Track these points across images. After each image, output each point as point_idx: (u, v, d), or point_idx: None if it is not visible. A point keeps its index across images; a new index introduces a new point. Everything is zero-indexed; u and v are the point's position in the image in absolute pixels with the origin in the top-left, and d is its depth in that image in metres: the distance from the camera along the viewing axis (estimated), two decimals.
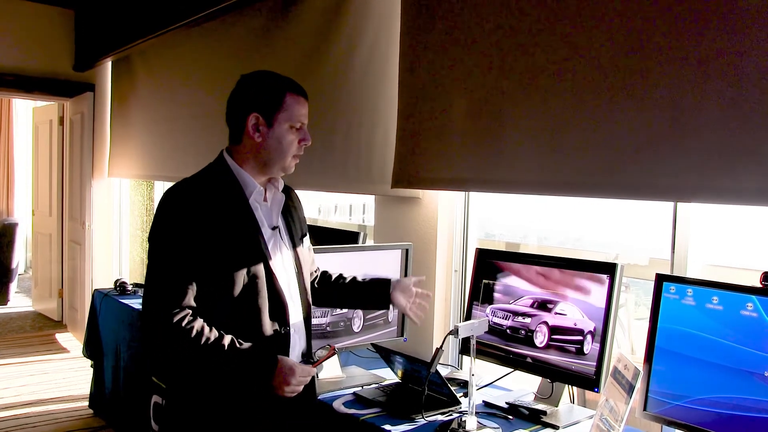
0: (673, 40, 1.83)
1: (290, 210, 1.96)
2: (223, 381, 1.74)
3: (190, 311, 1.70)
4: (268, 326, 1.78)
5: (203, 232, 1.71)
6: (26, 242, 8.93)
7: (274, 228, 1.86)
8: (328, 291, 2.11)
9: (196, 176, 1.84)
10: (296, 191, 2.05)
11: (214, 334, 1.69)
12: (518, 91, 2.25)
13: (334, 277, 2.14)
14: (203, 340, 1.67)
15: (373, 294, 2.06)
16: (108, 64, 5.81)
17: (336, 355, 2.04)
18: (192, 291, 1.70)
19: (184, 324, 1.67)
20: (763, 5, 1.66)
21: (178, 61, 4.85)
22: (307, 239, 2.02)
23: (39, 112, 7.13)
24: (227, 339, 1.70)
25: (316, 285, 2.10)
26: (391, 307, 2.06)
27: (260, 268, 1.77)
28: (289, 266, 1.89)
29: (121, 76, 5.66)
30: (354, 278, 2.12)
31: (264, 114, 1.79)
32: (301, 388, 1.77)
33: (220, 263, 1.72)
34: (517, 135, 2.27)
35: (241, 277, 1.74)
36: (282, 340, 1.81)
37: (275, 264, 1.82)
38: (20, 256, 8.11)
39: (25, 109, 8.90)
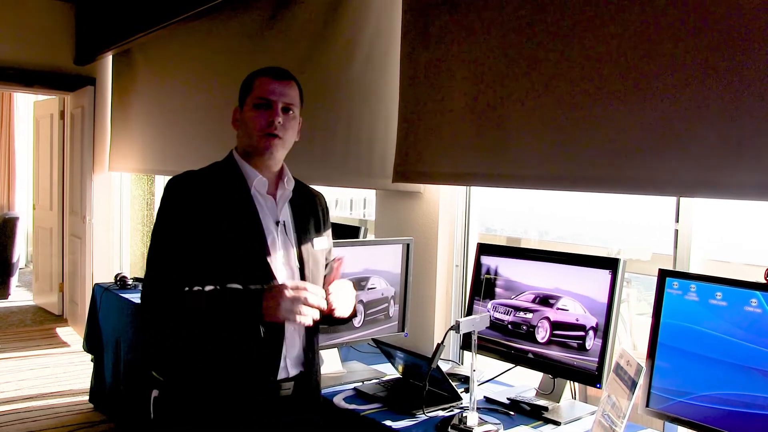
0: (674, 36, 1.82)
1: (305, 209, 1.93)
2: (213, 327, 1.71)
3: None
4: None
5: (202, 219, 1.72)
6: (27, 236, 8.94)
7: (278, 222, 1.84)
8: None
9: (202, 168, 1.86)
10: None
11: (196, 289, 1.69)
12: (521, 85, 2.24)
13: None
14: (186, 293, 1.68)
15: None
16: (109, 58, 5.79)
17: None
18: (185, 275, 1.70)
19: (171, 293, 1.70)
20: (765, 2, 1.64)
21: (179, 55, 4.83)
22: (321, 240, 1.94)
23: (40, 106, 7.12)
24: (208, 287, 1.69)
25: None
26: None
27: (257, 260, 1.75)
28: (292, 262, 1.85)
29: (121, 70, 5.64)
30: None
31: (240, 103, 1.85)
32: (303, 308, 1.64)
33: (217, 251, 1.72)
34: (520, 129, 2.25)
35: (237, 268, 1.73)
36: (276, 335, 1.77)
37: (275, 258, 1.79)
38: (21, 251, 8.12)
39: (25, 103, 8.90)
